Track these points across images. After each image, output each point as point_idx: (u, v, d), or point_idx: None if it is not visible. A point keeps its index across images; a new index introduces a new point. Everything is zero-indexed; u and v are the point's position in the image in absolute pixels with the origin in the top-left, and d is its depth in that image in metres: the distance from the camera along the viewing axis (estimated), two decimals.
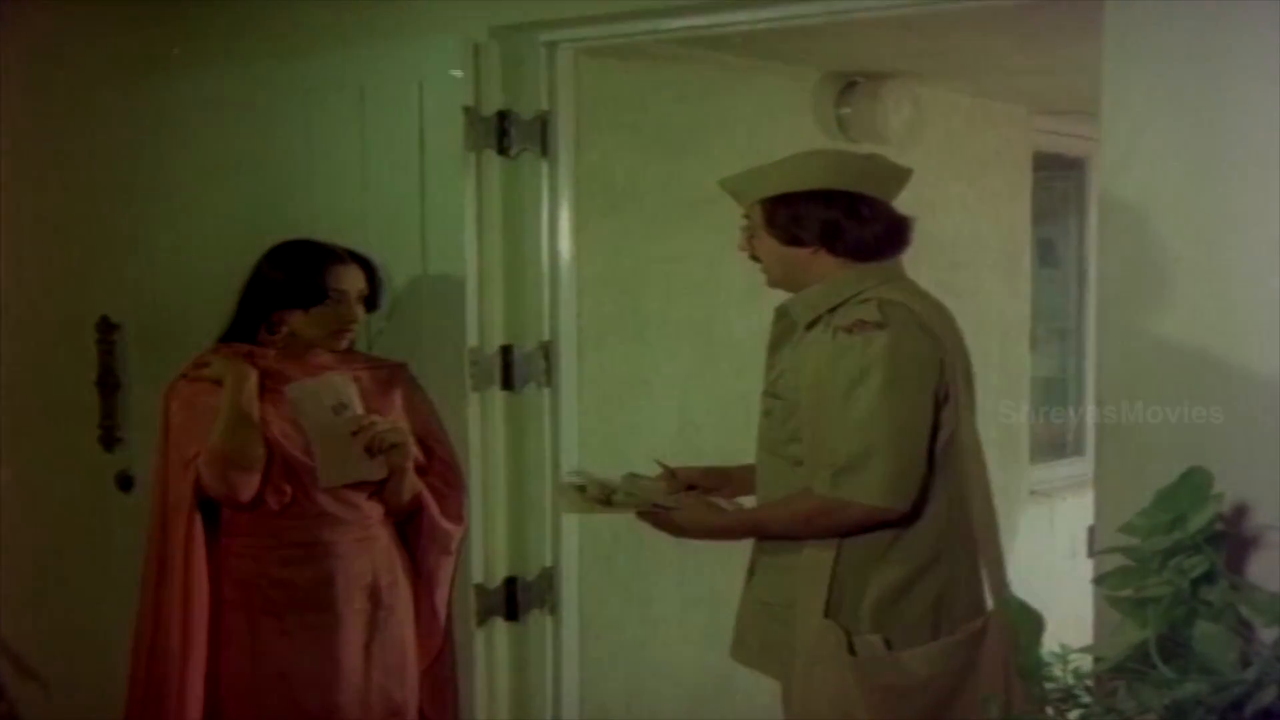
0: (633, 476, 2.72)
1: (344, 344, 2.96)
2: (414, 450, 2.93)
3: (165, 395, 2.97)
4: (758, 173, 2.58)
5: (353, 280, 2.94)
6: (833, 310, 2.47)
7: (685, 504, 2.64)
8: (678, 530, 2.61)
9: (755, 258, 2.61)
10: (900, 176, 2.56)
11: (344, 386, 2.87)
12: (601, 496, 2.64)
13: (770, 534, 2.57)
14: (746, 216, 2.59)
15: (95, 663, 3.64)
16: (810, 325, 2.51)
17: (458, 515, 3.08)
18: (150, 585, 2.94)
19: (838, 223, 2.49)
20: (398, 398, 3.00)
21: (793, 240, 2.52)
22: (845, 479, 2.37)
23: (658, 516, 2.61)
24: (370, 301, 3.01)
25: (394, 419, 2.92)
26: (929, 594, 2.46)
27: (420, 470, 3.00)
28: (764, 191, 2.54)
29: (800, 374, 2.48)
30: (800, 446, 2.48)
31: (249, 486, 2.83)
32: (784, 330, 2.61)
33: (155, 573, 2.93)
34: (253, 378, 2.85)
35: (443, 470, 3.06)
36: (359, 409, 2.87)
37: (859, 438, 2.36)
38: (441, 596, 3.08)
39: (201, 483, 2.83)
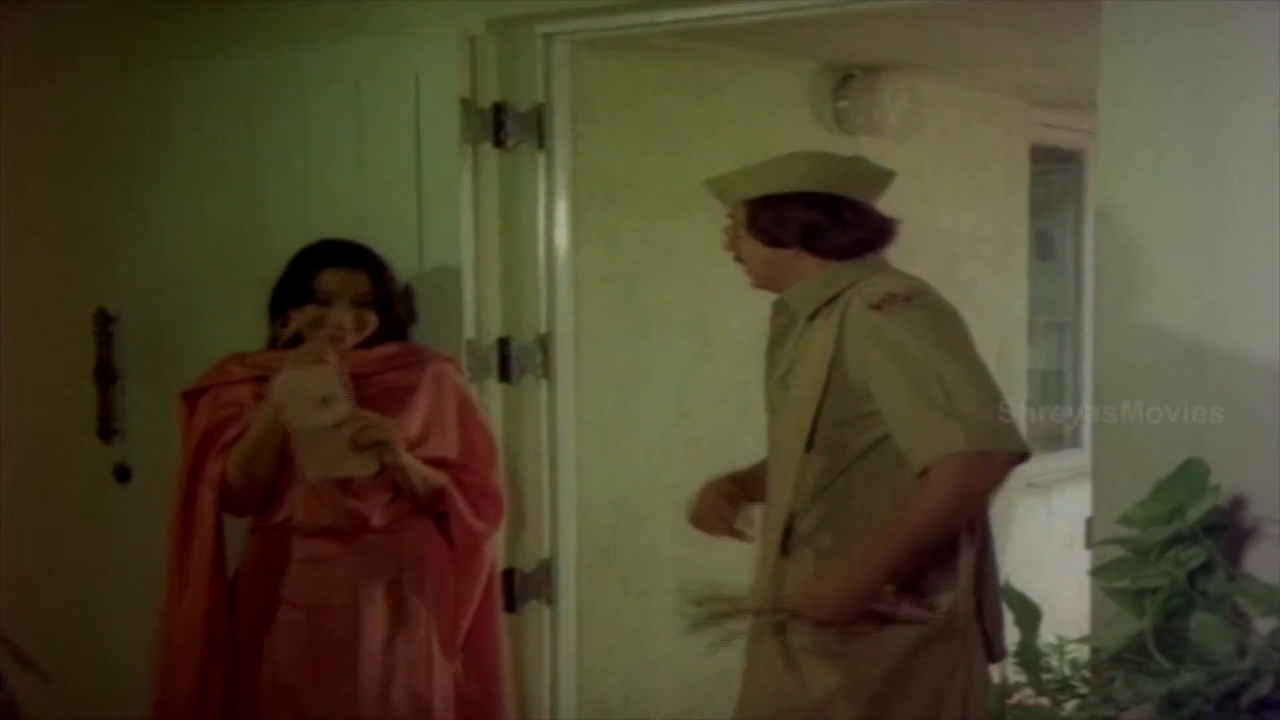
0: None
1: (341, 346, 2.90)
2: (399, 448, 2.83)
3: (193, 399, 2.95)
4: (742, 174, 2.58)
5: (345, 284, 2.89)
6: (831, 301, 2.47)
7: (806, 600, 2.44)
8: (826, 611, 2.41)
9: (739, 259, 2.61)
10: (883, 179, 2.56)
11: (331, 378, 2.80)
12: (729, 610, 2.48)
13: (931, 535, 2.34)
14: (731, 217, 2.60)
15: (94, 653, 3.65)
16: (811, 316, 2.51)
17: (492, 517, 3.04)
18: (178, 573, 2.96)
19: (819, 224, 2.49)
20: (423, 394, 2.95)
21: (774, 241, 2.52)
22: (977, 431, 2.27)
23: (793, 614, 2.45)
24: (382, 304, 2.95)
25: (396, 418, 2.86)
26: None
27: (451, 466, 2.97)
28: (747, 193, 2.54)
29: (808, 362, 2.47)
30: (840, 430, 2.44)
31: (253, 500, 2.90)
32: (784, 325, 2.61)
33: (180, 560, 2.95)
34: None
35: (478, 469, 3.02)
36: (347, 402, 2.80)
37: (962, 393, 2.30)
38: (465, 596, 3.02)
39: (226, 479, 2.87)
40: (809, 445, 2.45)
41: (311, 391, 2.78)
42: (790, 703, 2.49)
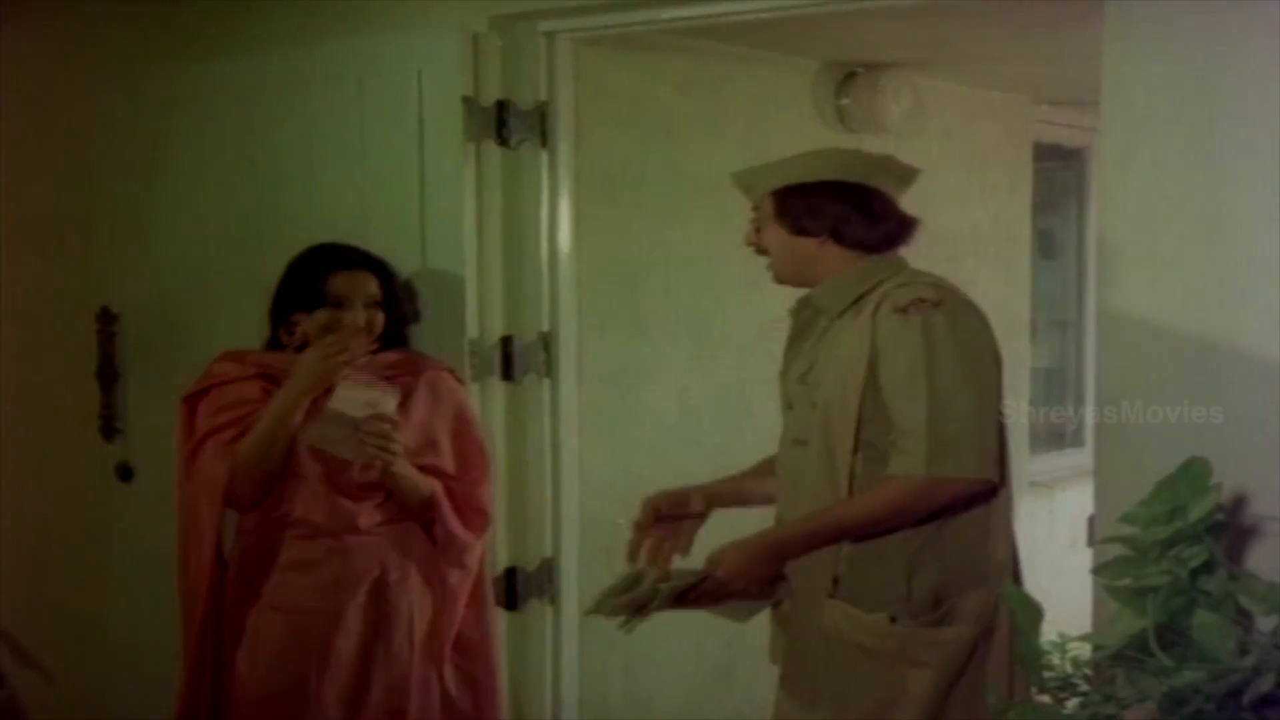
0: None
1: (363, 345, 2.90)
2: (404, 470, 2.85)
3: (193, 402, 2.95)
4: (770, 166, 2.62)
5: (356, 287, 2.90)
6: (858, 299, 2.49)
7: (718, 556, 2.51)
8: (733, 582, 2.49)
9: (762, 251, 2.62)
10: (910, 175, 2.61)
11: (388, 402, 2.81)
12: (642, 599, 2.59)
13: (852, 532, 2.45)
14: (756, 209, 2.61)
15: (95, 651, 3.66)
16: (838, 315, 2.52)
17: (477, 529, 3.01)
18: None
19: (848, 214, 2.52)
20: (417, 405, 2.93)
21: (802, 230, 2.54)
22: (940, 456, 2.34)
23: (704, 592, 2.53)
24: (390, 305, 2.95)
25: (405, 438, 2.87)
26: (932, 575, 2.45)
27: (441, 474, 2.96)
28: (777, 183, 2.56)
29: (839, 360, 2.48)
30: (870, 428, 2.46)
31: (257, 493, 2.88)
32: (805, 323, 2.61)
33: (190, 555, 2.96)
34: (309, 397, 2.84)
35: (468, 482, 3.00)
36: (389, 417, 2.81)
37: (945, 413, 2.35)
38: (451, 609, 3.00)
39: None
40: (855, 447, 2.46)
41: (367, 406, 2.78)
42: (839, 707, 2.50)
